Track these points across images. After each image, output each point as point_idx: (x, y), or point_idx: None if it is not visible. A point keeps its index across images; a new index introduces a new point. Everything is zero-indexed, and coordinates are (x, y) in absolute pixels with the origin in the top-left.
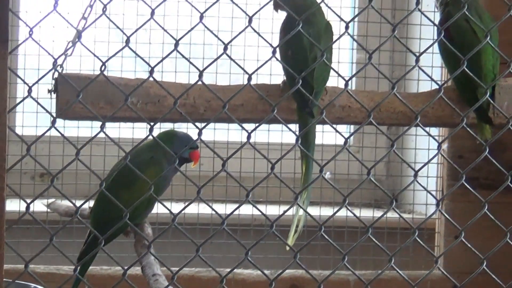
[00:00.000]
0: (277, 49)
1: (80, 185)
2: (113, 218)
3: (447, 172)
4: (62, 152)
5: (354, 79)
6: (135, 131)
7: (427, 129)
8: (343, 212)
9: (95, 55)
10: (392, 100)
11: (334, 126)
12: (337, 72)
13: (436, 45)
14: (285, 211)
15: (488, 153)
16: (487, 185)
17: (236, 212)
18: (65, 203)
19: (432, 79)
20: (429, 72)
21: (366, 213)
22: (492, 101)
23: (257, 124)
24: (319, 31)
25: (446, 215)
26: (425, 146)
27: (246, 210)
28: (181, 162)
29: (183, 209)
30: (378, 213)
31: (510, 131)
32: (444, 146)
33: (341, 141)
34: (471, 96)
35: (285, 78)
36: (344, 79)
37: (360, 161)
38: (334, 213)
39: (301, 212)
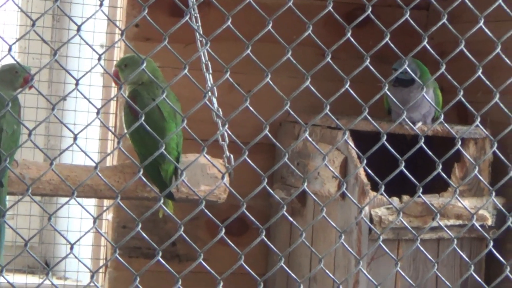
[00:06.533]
0: None
1: None
2: None
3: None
4: None
5: None
6: None
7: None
8: None
9: None
10: (80, 174)
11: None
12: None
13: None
14: None
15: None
16: (149, 254)
17: None
18: None
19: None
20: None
21: (20, 279)
22: (175, 177)
23: None
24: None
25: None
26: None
27: None
28: None
29: None
30: (31, 279)
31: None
32: (109, 216)
33: None
34: (155, 172)
35: None
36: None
37: (14, 229)
38: None
39: None
